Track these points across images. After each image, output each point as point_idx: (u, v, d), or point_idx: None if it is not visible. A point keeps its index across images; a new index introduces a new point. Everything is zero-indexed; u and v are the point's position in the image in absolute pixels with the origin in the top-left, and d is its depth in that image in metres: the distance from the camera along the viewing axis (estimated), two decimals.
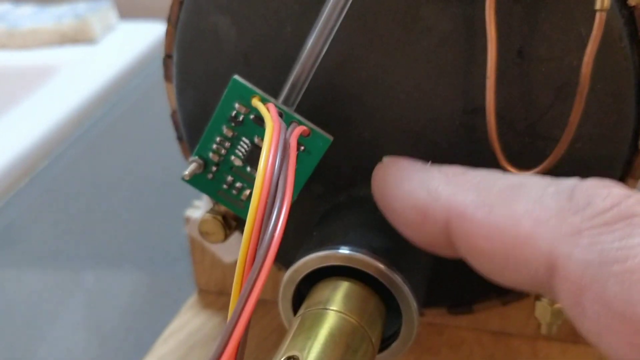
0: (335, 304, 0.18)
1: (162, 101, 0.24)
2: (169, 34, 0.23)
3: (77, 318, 0.32)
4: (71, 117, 0.49)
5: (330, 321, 0.18)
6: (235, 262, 0.15)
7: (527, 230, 0.15)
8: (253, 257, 0.14)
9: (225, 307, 0.29)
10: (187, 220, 0.28)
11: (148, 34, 0.60)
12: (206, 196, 0.22)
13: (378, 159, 0.22)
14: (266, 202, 0.15)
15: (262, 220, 0.15)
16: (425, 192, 0.17)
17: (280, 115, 0.19)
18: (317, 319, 0.18)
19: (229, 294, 0.15)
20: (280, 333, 0.22)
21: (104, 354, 0.30)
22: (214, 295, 0.30)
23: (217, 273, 0.29)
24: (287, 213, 0.15)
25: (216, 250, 0.28)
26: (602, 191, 0.15)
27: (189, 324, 0.28)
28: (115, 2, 0.62)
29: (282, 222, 0.15)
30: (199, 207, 0.28)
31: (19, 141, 0.45)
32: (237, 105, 0.20)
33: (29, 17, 0.60)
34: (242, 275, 0.15)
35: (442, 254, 0.18)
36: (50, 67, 0.56)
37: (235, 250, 0.21)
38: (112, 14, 0.61)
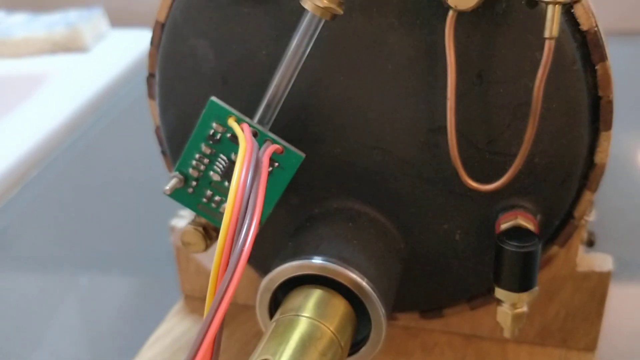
0: (307, 311, 0.20)
1: None
2: (151, 55, 0.24)
3: (67, 322, 0.33)
4: (63, 125, 0.50)
5: (301, 327, 0.19)
6: None
7: None
8: (225, 267, 0.16)
9: None
10: (172, 229, 0.29)
11: (139, 42, 0.60)
12: None
13: (349, 174, 0.23)
14: (237, 217, 0.16)
15: (234, 232, 0.16)
16: None
17: (255, 134, 0.21)
18: (289, 325, 0.19)
19: None
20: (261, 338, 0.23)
21: (93, 359, 0.31)
22: (199, 301, 0.31)
23: (201, 280, 0.30)
24: (257, 227, 0.16)
25: (200, 259, 0.30)
26: None
27: (175, 329, 0.29)
28: (106, 10, 0.63)
29: (252, 235, 0.16)
30: (184, 217, 0.29)
31: (11, 149, 0.46)
32: (214, 124, 0.21)
33: (21, 26, 0.61)
34: (216, 285, 0.16)
35: None
36: (42, 75, 0.56)
37: None
38: (103, 23, 0.62)
